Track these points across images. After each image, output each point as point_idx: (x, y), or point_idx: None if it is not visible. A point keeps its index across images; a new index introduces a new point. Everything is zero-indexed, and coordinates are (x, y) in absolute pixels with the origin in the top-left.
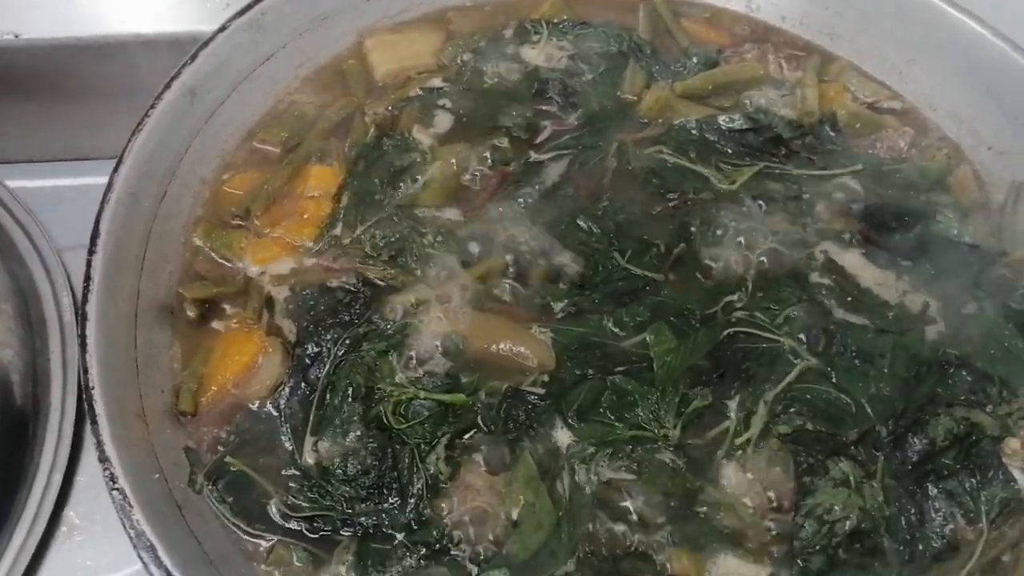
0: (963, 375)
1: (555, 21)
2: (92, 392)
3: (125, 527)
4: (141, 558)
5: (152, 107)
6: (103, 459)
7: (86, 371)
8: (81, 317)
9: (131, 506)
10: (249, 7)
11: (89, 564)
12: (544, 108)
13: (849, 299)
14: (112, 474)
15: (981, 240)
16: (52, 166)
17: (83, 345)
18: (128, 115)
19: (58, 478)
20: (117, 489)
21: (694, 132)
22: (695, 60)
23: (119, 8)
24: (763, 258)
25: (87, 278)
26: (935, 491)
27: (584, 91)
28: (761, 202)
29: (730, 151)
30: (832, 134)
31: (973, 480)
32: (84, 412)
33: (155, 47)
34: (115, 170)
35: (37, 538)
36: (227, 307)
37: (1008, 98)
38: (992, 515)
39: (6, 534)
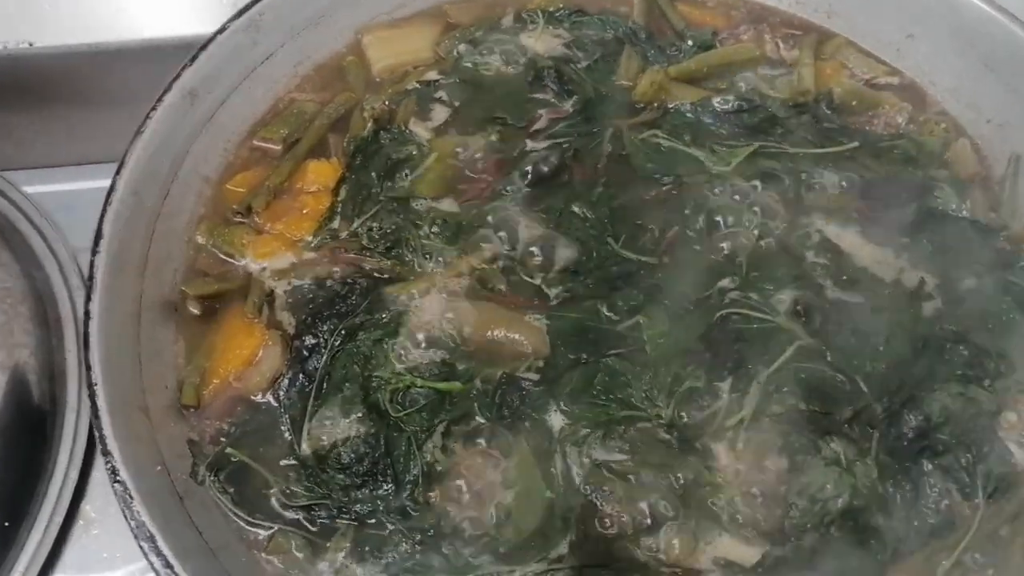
0: (960, 350)
1: (551, 10)
2: (95, 388)
3: (126, 518)
4: (141, 548)
5: (153, 109)
6: (105, 453)
7: (88, 368)
8: (84, 316)
9: (132, 498)
10: (247, 8)
11: (105, 556)
12: (540, 96)
13: (844, 277)
14: (114, 467)
15: (980, 214)
16: (66, 171)
17: (86, 343)
18: (137, 119)
19: (75, 474)
20: (119, 482)
21: (689, 115)
22: (690, 43)
23: (130, 14)
24: (757, 239)
25: (90, 278)
26: (930, 467)
27: (580, 78)
28: (756, 183)
29: (725, 133)
30: (829, 112)
31: (969, 455)
32: None
33: (166, 51)
34: (117, 172)
35: (55, 532)
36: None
37: (1007, 70)
38: (989, 489)
39: (25, 528)
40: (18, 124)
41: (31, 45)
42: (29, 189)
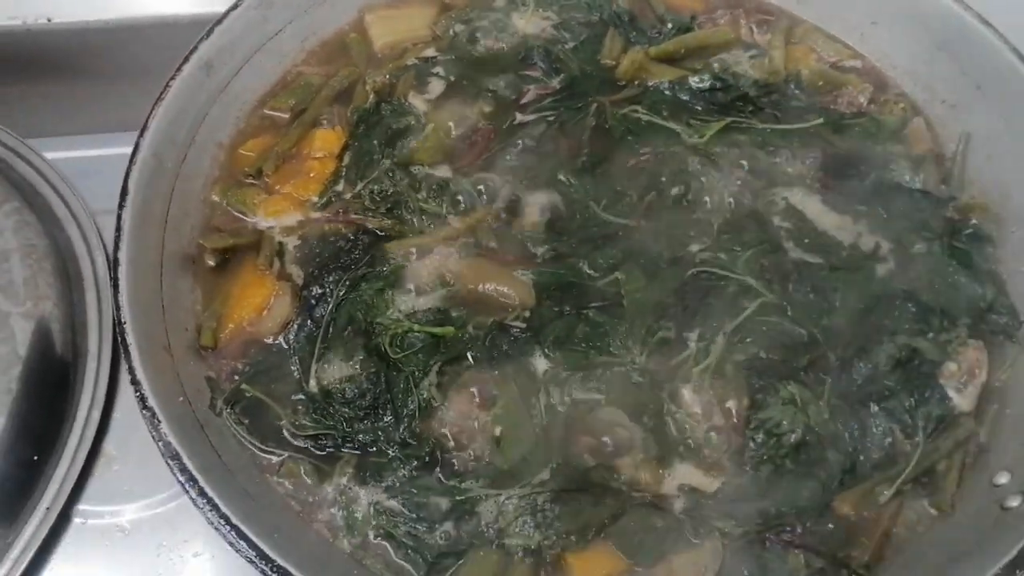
0: (908, 307)
1: None
2: (124, 326)
3: (154, 439)
4: (169, 465)
5: (172, 78)
6: (134, 382)
7: (118, 308)
8: (114, 262)
9: (159, 421)
10: None
11: (126, 490)
12: (529, 73)
13: (806, 240)
14: (142, 395)
15: (932, 186)
16: (84, 138)
17: (115, 286)
18: (152, 90)
19: (96, 415)
20: (147, 408)
21: (667, 92)
22: (670, 26)
23: None
24: (728, 205)
25: (118, 229)
26: (876, 409)
27: (566, 57)
28: (727, 155)
29: (700, 109)
30: (796, 91)
31: (912, 399)
32: (119, 357)
33: (176, 27)
34: (140, 135)
35: (79, 468)
36: (242, 255)
37: (960, 55)
38: (928, 429)
39: (53, 463)
40: (39, 95)
41: (49, 21)
42: (50, 155)
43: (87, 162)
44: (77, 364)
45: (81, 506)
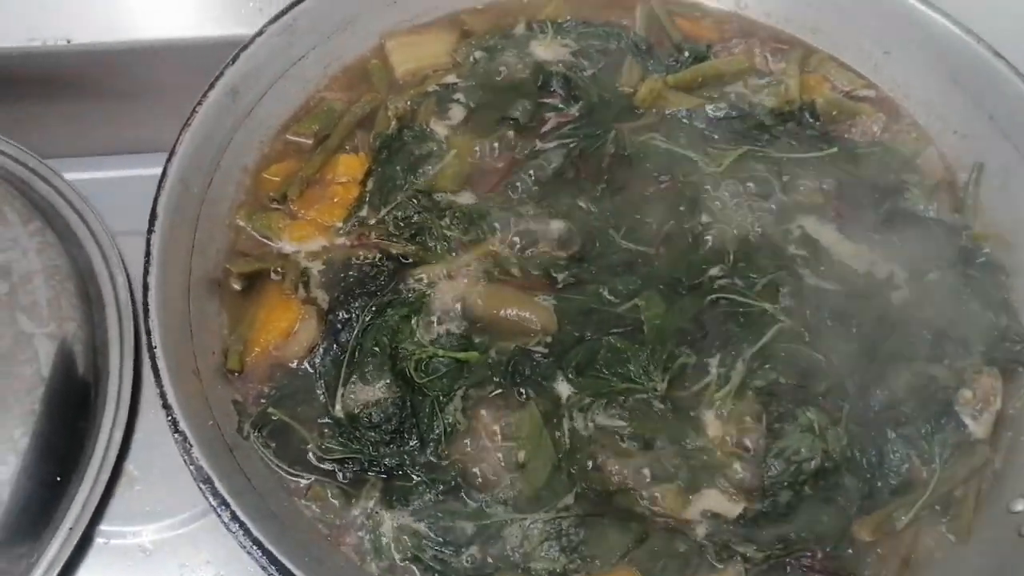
0: (924, 334)
1: (559, 21)
2: (155, 351)
3: (186, 463)
4: (201, 489)
5: (199, 104)
6: (166, 406)
7: (149, 333)
8: (144, 287)
9: (191, 445)
10: (283, 13)
11: (148, 510)
12: (548, 101)
13: (822, 268)
14: (174, 419)
15: (945, 215)
16: (102, 159)
17: (146, 311)
18: (170, 112)
19: (118, 435)
20: (179, 432)
21: (685, 120)
22: (687, 55)
23: (160, 15)
24: (745, 233)
25: (147, 254)
26: (893, 435)
27: (585, 85)
28: (744, 183)
29: (717, 137)
30: (811, 120)
31: (928, 426)
32: (140, 377)
33: (193, 50)
34: (168, 161)
35: (102, 488)
36: (268, 280)
37: (972, 86)
38: (944, 456)
39: (75, 483)
40: (58, 115)
41: (68, 42)
42: (70, 176)
43: (105, 183)
44: (99, 385)
45: (103, 526)
